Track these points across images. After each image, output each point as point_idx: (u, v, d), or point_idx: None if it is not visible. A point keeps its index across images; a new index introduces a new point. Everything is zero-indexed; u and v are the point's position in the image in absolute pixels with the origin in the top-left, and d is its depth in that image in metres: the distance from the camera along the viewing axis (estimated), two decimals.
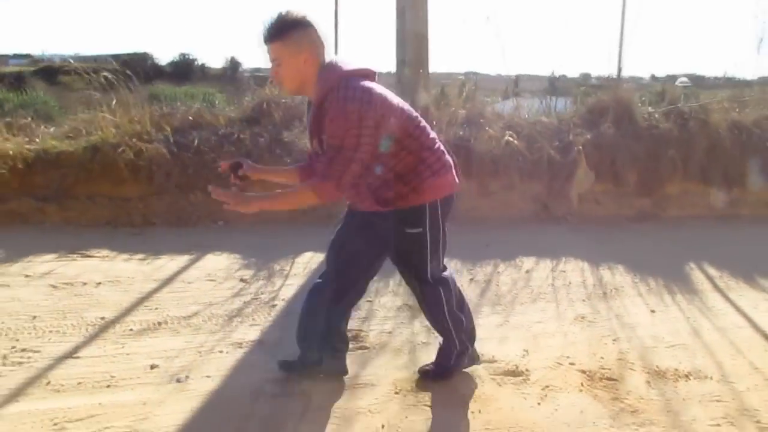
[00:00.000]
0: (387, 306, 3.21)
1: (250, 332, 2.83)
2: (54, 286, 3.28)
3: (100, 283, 3.37)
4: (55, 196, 4.46)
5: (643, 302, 3.40)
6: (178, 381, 2.36)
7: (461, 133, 5.39)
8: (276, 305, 3.17)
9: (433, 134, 2.26)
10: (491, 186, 5.29)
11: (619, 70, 6.75)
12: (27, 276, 3.43)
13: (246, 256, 3.93)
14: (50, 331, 2.74)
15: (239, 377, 2.42)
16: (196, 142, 4.85)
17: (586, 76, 12.26)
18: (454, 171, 2.29)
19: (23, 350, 2.55)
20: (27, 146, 4.61)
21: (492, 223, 5.05)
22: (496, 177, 5.29)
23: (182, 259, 3.82)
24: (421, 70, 5.33)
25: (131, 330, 2.79)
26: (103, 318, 2.90)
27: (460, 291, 2.43)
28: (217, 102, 6.17)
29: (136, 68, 6.06)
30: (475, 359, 2.52)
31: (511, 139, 5.40)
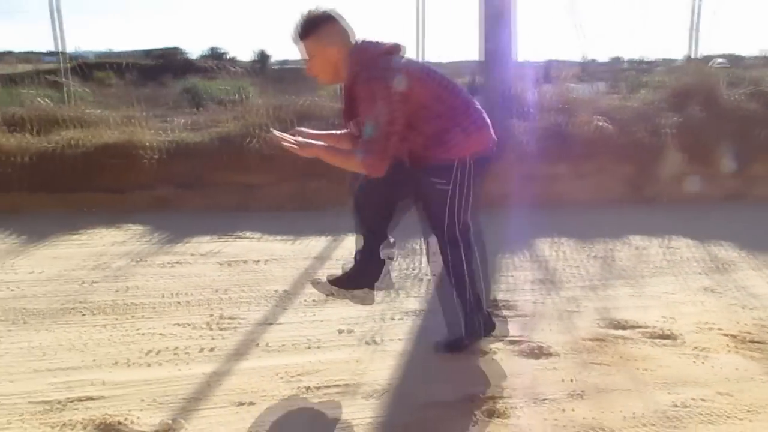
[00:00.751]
0: (528, 279, 3.54)
1: (413, 302, 3.19)
2: (221, 264, 3.69)
3: (259, 261, 3.77)
4: (192, 183, 4.89)
5: (758, 275, 3.65)
6: (375, 343, 2.73)
7: (554, 119, 5.65)
8: (424, 279, 3.53)
9: (465, 96, 2.42)
10: (584, 168, 5.55)
11: (694, 52, 6.92)
12: (192, 255, 3.86)
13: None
14: (242, 302, 3.14)
15: (421, 339, 2.78)
16: None
17: (615, 60, 12.28)
18: (489, 131, 2.43)
19: (230, 318, 2.96)
20: (164, 137, 5.07)
21: (587, 204, 5.31)
22: (589, 160, 5.55)
23: (325, 239, 4.21)
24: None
25: (314, 301, 3.17)
26: (276, 291, 3.30)
27: (479, 255, 2.53)
28: (250, 95, 6.35)
29: (171, 63, 6.43)
30: (490, 327, 2.60)
31: (602, 123, 5.65)
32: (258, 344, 2.71)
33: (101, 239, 4.15)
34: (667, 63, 10.03)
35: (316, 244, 4.13)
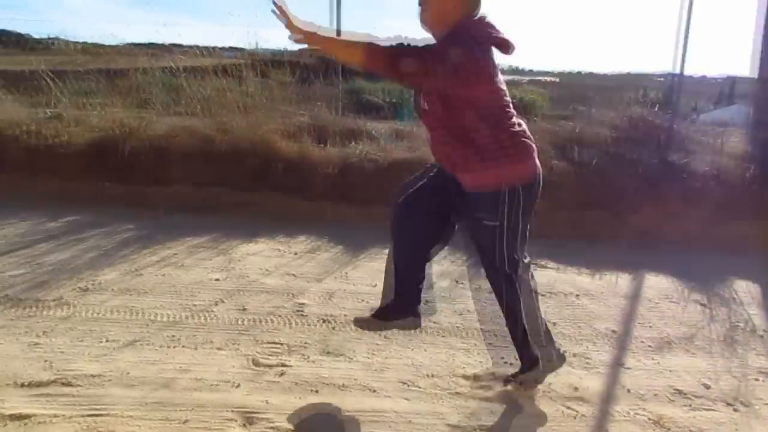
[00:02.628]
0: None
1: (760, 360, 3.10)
2: (541, 294, 3.85)
3: (569, 294, 3.90)
4: None
5: None
6: (742, 405, 2.71)
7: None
8: (762, 335, 3.41)
9: (515, 117, 2.31)
10: None
11: None
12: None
13: (682, 278, 4.20)
14: (582, 339, 3.28)
15: None
16: (594, 161, 5.24)
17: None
18: (535, 155, 2.32)
19: (575, 355, 3.10)
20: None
21: None
22: None
23: (625, 276, 4.23)
24: None
25: (649, 346, 3.22)
26: (611, 330, 3.39)
27: (533, 287, 2.50)
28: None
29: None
30: (562, 358, 2.61)
31: None
32: (622, 388, 2.80)
33: None
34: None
35: (617, 280, 4.16)
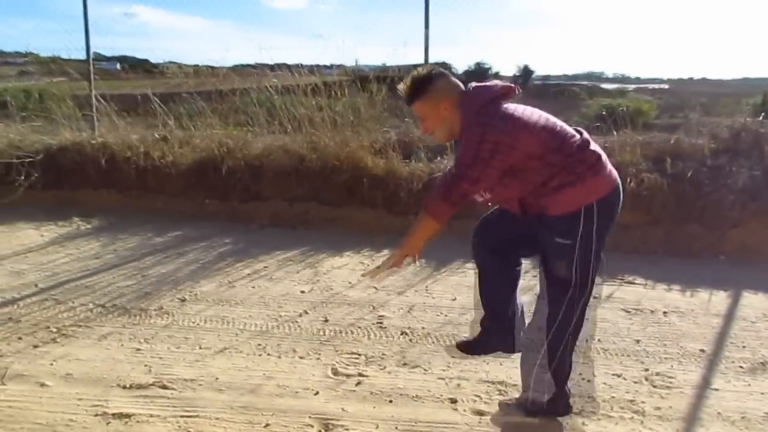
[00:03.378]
0: None
1: None
2: (627, 311, 3.75)
3: (656, 311, 3.75)
4: None
5: None
6: None
7: None
8: None
9: (579, 139, 2.22)
10: None
11: None
12: (594, 297, 3.98)
13: None
14: (667, 358, 3.15)
15: None
16: (689, 173, 5.01)
17: None
18: (609, 171, 2.24)
19: (660, 374, 2.99)
20: None
21: None
22: None
23: (720, 294, 4.01)
24: None
25: (741, 367, 3.05)
26: (700, 350, 3.23)
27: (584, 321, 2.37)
28: None
29: None
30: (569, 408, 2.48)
31: None
32: (708, 409, 2.68)
33: None
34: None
35: (714, 298, 3.96)
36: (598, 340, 3.34)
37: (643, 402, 2.71)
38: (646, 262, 4.61)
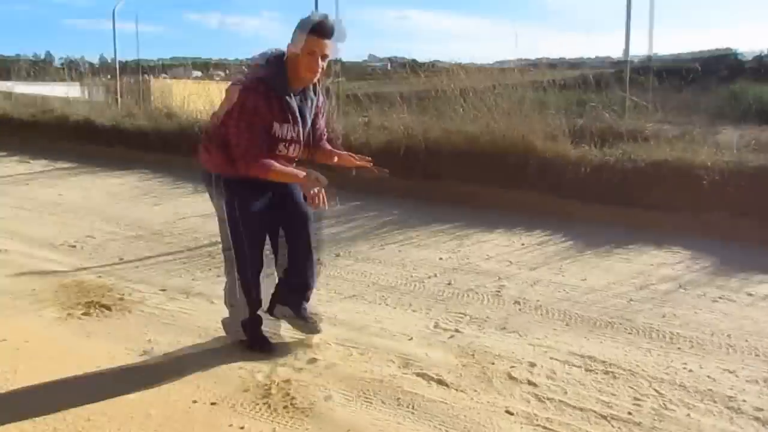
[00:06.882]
0: None
1: None
2: None
3: None
4: (749, 212, 4.56)
5: None
6: None
7: None
8: None
9: None
10: None
11: None
12: (750, 294, 3.62)
13: None
14: None
15: None
16: None
17: None
18: None
19: None
20: (719, 157, 4.91)
21: None
22: None
23: None
24: None
25: None
26: None
27: None
28: None
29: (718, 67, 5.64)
30: None
31: None
32: None
33: (647, 258, 4.31)
34: None
35: None
36: (728, 336, 3.08)
37: (744, 401, 2.50)
38: None
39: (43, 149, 9.20)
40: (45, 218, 5.58)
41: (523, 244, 4.59)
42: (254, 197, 2.74)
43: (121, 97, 11.60)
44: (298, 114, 2.63)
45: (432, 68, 9.51)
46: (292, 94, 2.61)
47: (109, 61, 12.83)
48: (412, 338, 3.06)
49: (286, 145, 2.65)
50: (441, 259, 4.29)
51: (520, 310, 3.42)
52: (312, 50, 2.52)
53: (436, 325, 3.21)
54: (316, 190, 2.61)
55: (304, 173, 2.62)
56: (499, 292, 3.66)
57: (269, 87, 2.56)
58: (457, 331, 3.14)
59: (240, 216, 2.72)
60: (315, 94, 2.74)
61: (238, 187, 2.69)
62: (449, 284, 3.80)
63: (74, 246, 4.63)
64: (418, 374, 2.69)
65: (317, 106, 2.78)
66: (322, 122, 2.87)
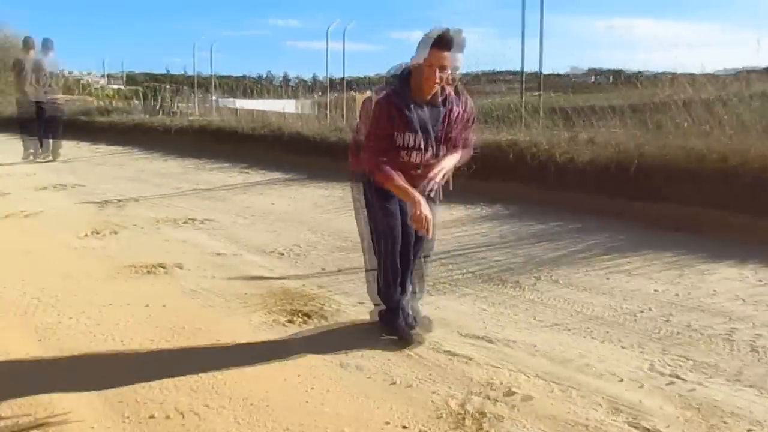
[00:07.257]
0: None
1: None
2: None
3: None
4: None
5: None
6: None
7: None
8: None
9: None
10: None
11: None
12: None
13: None
14: None
15: None
16: None
17: None
18: None
19: None
20: None
21: None
22: None
23: None
24: None
25: None
26: None
27: None
28: None
29: None
30: None
31: None
32: None
33: None
34: None
35: None
36: None
37: None
38: None
39: (260, 160, 10.09)
40: (258, 225, 6.07)
41: (760, 280, 3.93)
42: (391, 196, 2.97)
43: (329, 111, 12.45)
44: (417, 124, 2.80)
45: (638, 77, 8.76)
46: (413, 105, 2.80)
47: (321, 78, 13.92)
48: (622, 380, 2.73)
49: (408, 152, 2.86)
50: (656, 291, 3.83)
51: (759, 360, 2.90)
52: (431, 63, 2.70)
53: (651, 367, 2.84)
54: (423, 215, 2.72)
55: (419, 199, 2.75)
56: (730, 335, 3.15)
57: (394, 99, 2.79)
58: (677, 376, 2.75)
59: (379, 210, 3.02)
60: (446, 104, 2.88)
61: (379, 188, 2.95)
62: (667, 321, 3.36)
63: (282, 254, 4.95)
64: (630, 423, 2.38)
65: (448, 116, 2.89)
66: (455, 131, 2.95)
